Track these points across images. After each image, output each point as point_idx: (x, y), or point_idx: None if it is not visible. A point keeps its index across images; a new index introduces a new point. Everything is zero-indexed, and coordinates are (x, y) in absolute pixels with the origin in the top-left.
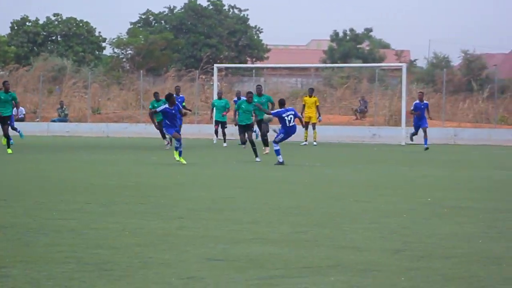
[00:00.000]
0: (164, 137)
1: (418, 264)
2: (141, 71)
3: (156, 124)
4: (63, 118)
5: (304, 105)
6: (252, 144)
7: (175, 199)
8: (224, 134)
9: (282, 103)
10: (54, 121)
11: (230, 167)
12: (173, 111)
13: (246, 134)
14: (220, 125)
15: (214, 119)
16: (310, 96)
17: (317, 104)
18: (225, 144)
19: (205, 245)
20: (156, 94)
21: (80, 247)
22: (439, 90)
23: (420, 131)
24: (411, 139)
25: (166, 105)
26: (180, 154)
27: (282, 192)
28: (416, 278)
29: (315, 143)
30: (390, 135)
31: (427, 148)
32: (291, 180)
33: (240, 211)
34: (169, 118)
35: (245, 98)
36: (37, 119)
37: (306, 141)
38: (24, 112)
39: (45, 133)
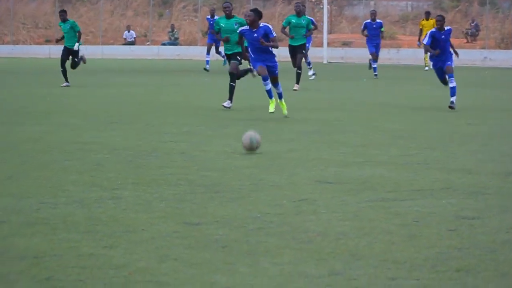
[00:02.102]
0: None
1: None
2: None
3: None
4: (173, 42)
5: (421, 29)
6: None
7: (284, 122)
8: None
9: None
10: (164, 44)
11: (334, 90)
12: (255, 35)
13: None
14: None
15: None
16: (427, 19)
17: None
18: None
19: (316, 167)
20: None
21: (191, 170)
22: None
23: None
24: None
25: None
26: (280, 97)
27: (391, 115)
28: None
29: (426, 68)
30: (502, 59)
31: None
32: (400, 103)
33: (349, 134)
34: (250, 46)
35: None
36: (148, 43)
37: (427, 66)
38: (134, 36)
39: (155, 57)
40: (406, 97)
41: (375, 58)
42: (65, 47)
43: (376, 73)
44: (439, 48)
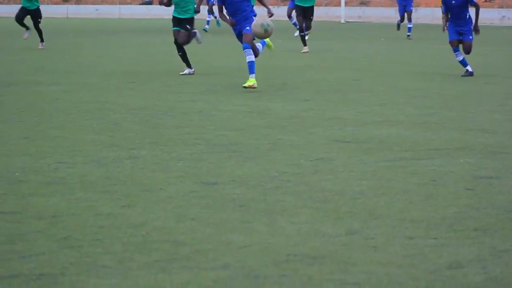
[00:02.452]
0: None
1: None
2: None
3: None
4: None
5: None
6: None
7: (300, 82)
8: None
9: None
10: None
11: (351, 49)
12: None
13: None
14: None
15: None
16: None
17: None
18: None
19: (333, 127)
20: None
21: (208, 129)
22: None
23: None
24: None
25: None
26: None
27: (408, 75)
28: None
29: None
30: None
31: None
32: (417, 63)
33: (366, 93)
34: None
35: None
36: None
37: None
38: None
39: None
40: (423, 57)
41: (409, 18)
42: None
43: (409, 33)
44: (452, 14)
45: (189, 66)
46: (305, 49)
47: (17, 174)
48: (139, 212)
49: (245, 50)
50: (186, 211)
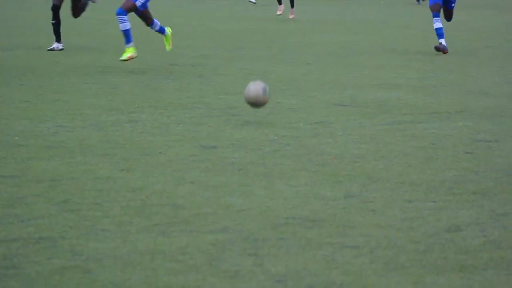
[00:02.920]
0: None
1: None
2: None
3: None
4: None
5: None
6: None
7: (299, 45)
8: None
9: None
10: None
11: (351, 13)
12: None
13: None
14: None
15: None
16: None
17: None
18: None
19: (332, 90)
20: None
21: (208, 93)
22: None
23: None
24: None
25: None
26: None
27: (408, 38)
28: None
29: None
30: None
31: None
32: (417, 26)
33: (365, 56)
34: None
35: None
36: None
37: None
38: None
39: None
40: (423, 20)
41: None
42: None
43: None
44: None
45: (58, 40)
46: (280, 9)
47: (16, 138)
48: (138, 175)
49: (118, 17)
50: (185, 175)
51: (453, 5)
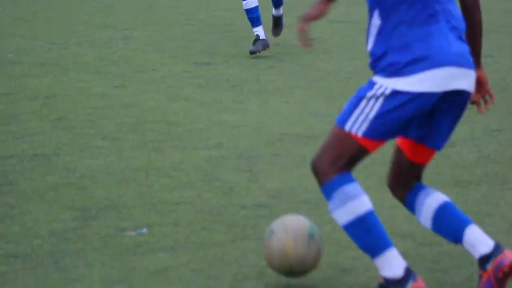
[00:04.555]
0: None
1: None
2: None
3: None
4: None
5: None
6: None
7: None
8: None
9: None
10: None
11: None
12: None
13: None
14: None
15: None
16: None
17: None
18: None
19: None
20: None
21: (202, 9)
22: None
23: None
24: None
25: None
26: None
27: None
28: None
29: None
30: None
31: None
32: None
33: None
34: None
35: None
36: None
37: None
38: None
39: None
40: None
41: None
42: None
43: None
44: None
45: None
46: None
47: (10, 55)
48: (132, 92)
49: None
50: (179, 92)
51: None
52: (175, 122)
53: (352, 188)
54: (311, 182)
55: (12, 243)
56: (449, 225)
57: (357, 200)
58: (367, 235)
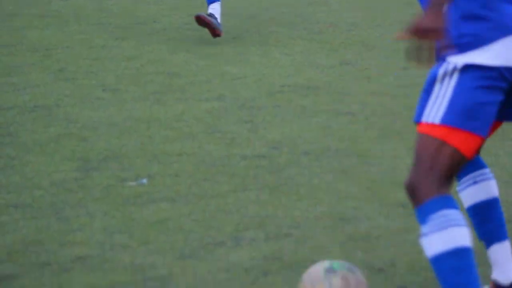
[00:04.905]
0: None
1: None
2: None
3: None
4: None
5: None
6: None
7: None
8: None
9: None
10: None
11: None
12: None
13: None
14: None
15: None
16: None
17: None
18: None
19: None
20: None
21: None
22: None
23: None
24: None
25: None
26: None
27: None
28: None
29: None
30: None
31: None
32: None
33: None
34: None
35: None
36: None
37: None
38: None
39: None
40: None
41: None
42: None
43: None
44: None
45: None
46: None
47: (10, 8)
48: (133, 44)
49: None
50: (180, 43)
51: None
52: (177, 73)
53: (455, 213)
54: (311, 133)
55: (13, 193)
56: (486, 225)
57: (459, 229)
58: (460, 273)
